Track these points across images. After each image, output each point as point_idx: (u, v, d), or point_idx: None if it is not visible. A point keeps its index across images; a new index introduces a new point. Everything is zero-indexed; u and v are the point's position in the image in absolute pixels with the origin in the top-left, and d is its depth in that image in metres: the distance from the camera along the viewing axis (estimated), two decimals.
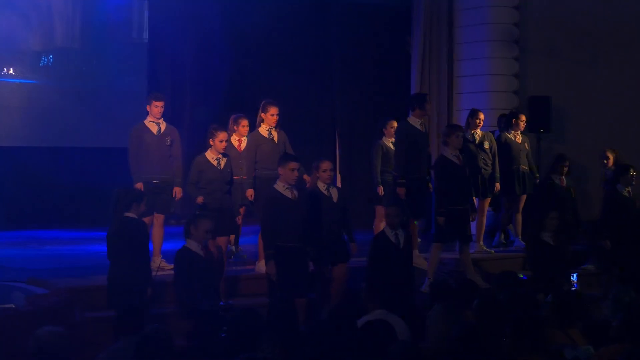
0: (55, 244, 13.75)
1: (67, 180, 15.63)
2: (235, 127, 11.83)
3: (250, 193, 11.35)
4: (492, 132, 13.54)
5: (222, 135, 10.71)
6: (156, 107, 11.43)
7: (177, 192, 11.44)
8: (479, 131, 13.02)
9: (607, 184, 13.17)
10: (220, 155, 10.73)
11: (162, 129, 11.48)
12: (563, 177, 12.53)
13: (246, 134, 11.80)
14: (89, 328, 9.19)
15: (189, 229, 9.22)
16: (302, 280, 9.63)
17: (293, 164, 9.75)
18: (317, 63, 17.16)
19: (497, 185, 13.06)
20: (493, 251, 13.11)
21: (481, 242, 13.00)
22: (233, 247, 12.05)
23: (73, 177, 15.69)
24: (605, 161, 13.30)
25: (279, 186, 9.76)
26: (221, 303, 9.30)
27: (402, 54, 16.38)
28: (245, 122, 11.88)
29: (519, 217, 13.43)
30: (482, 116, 13.09)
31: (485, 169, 12.92)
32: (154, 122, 11.45)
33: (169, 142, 11.48)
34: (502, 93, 15.34)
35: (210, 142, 10.74)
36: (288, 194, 9.70)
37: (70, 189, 15.60)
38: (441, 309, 7.85)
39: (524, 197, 13.34)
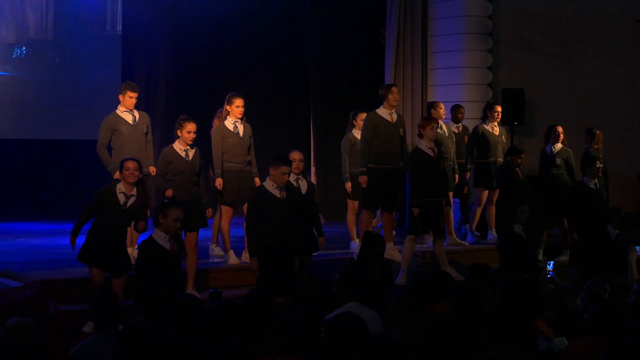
0: (29, 237, 13.68)
1: (40, 173, 15.61)
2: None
3: (219, 182, 11.21)
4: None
5: (190, 126, 10.54)
6: (131, 98, 11.27)
7: (152, 170, 11.25)
8: (443, 124, 13.06)
9: (543, 155, 13.30)
10: (188, 147, 10.58)
11: (137, 118, 11.36)
12: (518, 169, 12.51)
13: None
14: (63, 321, 9.17)
15: (158, 218, 9.03)
16: (284, 278, 9.60)
17: (285, 168, 9.57)
18: (292, 54, 17.17)
19: (457, 177, 13.13)
20: (467, 243, 13.17)
21: (454, 235, 13.06)
22: (214, 246, 11.91)
23: (46, 169, 15.66)
24: (557, 134, 13.24)
25: (268, 184, 9.64)
26: (211, 290, 9.08)
27: (376, 45, 16.41)
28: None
29: (493, 210, 13.46)
30: (442, 106, 13.13)
31: (451, 163, 12.98)
32: (128, 112, 11.30)
33: (145, 130, 11.40)
34: (475, 85, 15.41)
35: (178, 132, 10.59)
36: (276, 192, 9.59)
37: (43, 181, 15.57)
38: (402, 300, 7.84)
39: (498, 190, 13.37)
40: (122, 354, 5.93)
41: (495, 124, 13.42)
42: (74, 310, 9.54)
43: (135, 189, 9.66)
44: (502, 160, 13.24)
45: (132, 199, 9.64)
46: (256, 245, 9.53)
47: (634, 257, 8.67)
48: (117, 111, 11.34)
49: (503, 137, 13.52)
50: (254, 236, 9.58)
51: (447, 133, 13.04)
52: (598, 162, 12.22)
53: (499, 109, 13.53)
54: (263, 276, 9.49)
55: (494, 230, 13.36)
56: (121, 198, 9.57)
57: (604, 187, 12.73)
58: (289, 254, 9.70)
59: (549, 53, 16.11)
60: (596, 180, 12.17)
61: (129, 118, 11.28)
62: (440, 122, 12.94)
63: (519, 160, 12.49)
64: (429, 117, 11.87)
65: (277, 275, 9.50)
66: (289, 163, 9.75)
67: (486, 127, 13.38)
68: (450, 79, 15.44)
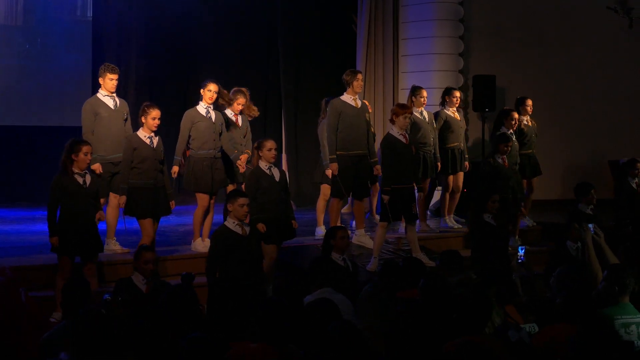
0: (0, 223, 13.62)
1: (11, 159, 15.52)
2: (143, 120, 11.37)
3: (174, 170, 11.11)
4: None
5: (154, 112, 10.43)
6: (111, 80, 11.09)
7: None
8: (424, 110, 13.03)
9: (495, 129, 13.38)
10: (152, 134, 10.49)
11: (119, 104, 11.20)
12: (505, 157, 12.46)
13: (238, 111, 11.65)
14: (35, 308, 9.15)
15: (135, 262, 8.68)
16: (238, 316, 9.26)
17: (242, 200, 9.35)
18: (264, 39, 17.11)
19: (439, 165, 13.16)
20: (438, 230, 13.19)
21: (426, 221, 13.08)
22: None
23: (17, 156, 15.58)
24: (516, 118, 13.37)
25: (229, 223, 9.36)
26: (184, 273, 8.78)
27: (348, 32, 16.41)
28: (242, 100, 11.67)
29: (457, 196, 13.51)
30: (425, 93, 13.08)
31: (431, 149, 12.96)
32: (109, 96, 11.13)
33: (125, 117, 11.25)
34: (447, 72, 15.42)
35: (142, 119, 10.47)
36: (238, 229, 9.33)
37: (14, 167, 15.49)
38: (371, 289, 7.88)
39: (462, 174, 13.44)
40: (80, 339, 5.89)
41: (455, 109, 13.42)
42: (45, 296, 9.51)
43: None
44: (462, 145, 13.31)
45: (88, 176, 9.66)
46: (213, 281, 9.18)
47: (589, 237, 8.46)
48: (98, 95, 11.17)
49: (463, 121, 13.59)
50: (212, 273, 9.21)
51: (427, 119, 12.98)
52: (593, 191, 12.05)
53: (458, 94, 13.50)
54: (214, 312, 8.98)
55: (451, 216, 13.40)
56: (79, 179, 9.55)
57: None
58: (248, 291, 9.15)
59: (520, 40, 16.18)
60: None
61: (110, 103, 11.11)
62: (422, 108, 12.93)
63: (502, 148, 12.36)
64: (404, 106, 11.74)
65: (226, 316, 9.14)
66: (243, 194, 9.60)
67: (448, 112, 13.37)
68: (421, 65, 15.44)
